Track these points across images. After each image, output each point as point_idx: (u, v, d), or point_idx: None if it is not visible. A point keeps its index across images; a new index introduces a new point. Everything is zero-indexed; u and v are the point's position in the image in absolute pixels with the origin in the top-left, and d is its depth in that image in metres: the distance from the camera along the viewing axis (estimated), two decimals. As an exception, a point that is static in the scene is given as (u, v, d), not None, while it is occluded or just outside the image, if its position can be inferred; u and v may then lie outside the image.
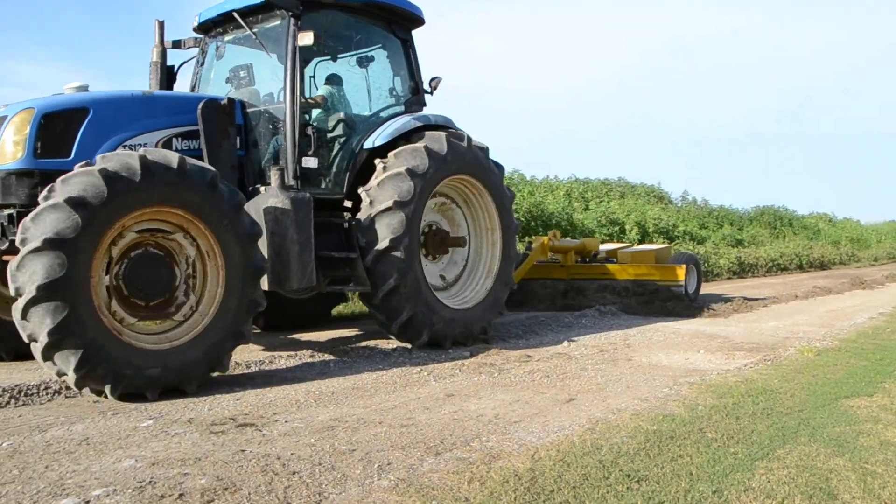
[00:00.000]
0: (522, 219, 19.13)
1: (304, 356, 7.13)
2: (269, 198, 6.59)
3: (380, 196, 7.45)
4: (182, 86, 8.39)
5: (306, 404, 5.27)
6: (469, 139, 8.29)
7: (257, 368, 6.66)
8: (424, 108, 8.66)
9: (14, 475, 3.69)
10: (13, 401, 5.33)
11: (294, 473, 3.62)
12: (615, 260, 13.45)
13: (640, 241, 23.61)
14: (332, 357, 7.19)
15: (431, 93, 8.72)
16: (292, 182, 7.21)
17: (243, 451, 4.03)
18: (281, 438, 4.30)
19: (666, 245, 16.49)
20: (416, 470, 3.70)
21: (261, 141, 7.56)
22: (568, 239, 15.45)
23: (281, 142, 7.44)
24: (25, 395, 5.46)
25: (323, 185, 7.78)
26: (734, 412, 4.98)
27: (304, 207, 6.72)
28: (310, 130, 7.42)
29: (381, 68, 8.71)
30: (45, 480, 3.59)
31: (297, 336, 8.83)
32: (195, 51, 8.44)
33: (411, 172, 7.51)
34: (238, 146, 7.25)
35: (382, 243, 7.29)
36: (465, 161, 8.15)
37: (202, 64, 8.32)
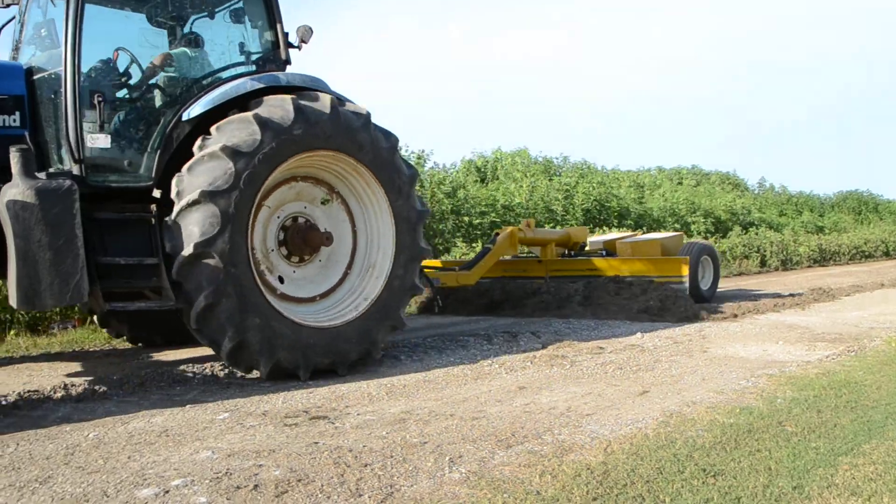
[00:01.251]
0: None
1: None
2: (10, 189, 5.03)
3: (188, 185, 5.75)
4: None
5: (378, 397, 5.31)
6: (336, 103, 6.28)
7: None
8: (289, 68, 6.82)
9: (99, 464, 3.82)
10: (95, 394, 5.53)
11: (366, 466, 3.65)
12: (614, 253, 11.64)
13: (713, 233, 22.99)
14: (402, 350, 7.23)
15: (299, 47, 6.90)
16: (73, 167, 5.76)
17: (316, 443, 4.08)
18: (353, 431, 4.35)
19: (676, 233, 14.39)
20: (487, 463, 3.69)
21: (47, 115, 6.06)
22: (547, 229, 14.10)
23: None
24: (110, 388, 5.66)
25: (124, 171, 6.16)
26: (815, 405, 4.82)
27: (61, 200, 5.08)
28: (97, 99, 5.80)
29: (233, 21, 6.93)
30: (127, 470, 3.70)
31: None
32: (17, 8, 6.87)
33: (232, 151, 5.71)
34: (19, 122, 5.88)
35: (188, 248, 5.56)
36: (328, 133, 6.18)
37: (21, 23, 6.76)
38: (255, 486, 3.36)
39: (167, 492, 3.35)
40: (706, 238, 21.67)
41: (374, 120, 6.57)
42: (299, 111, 6.00)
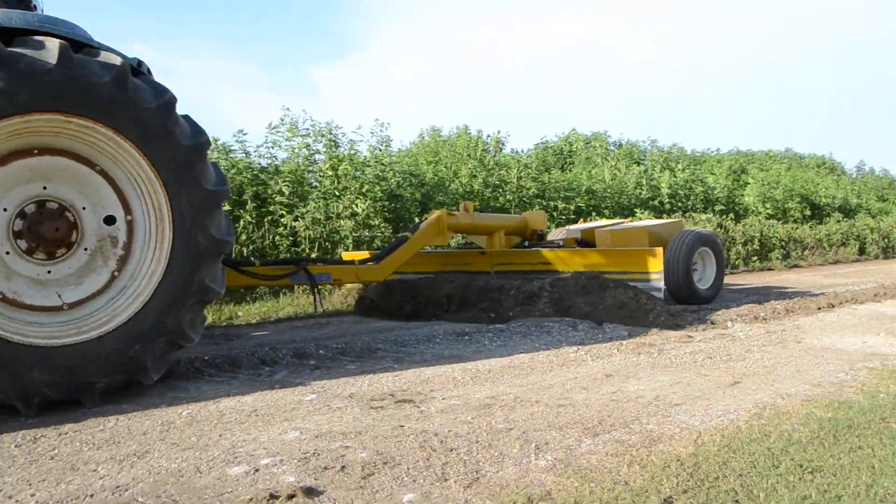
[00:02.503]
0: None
1: (460, 334, 7.19)
2: None
3: None
4: None
5: (463, 382, 5.31)
6: (67, 50, 4.54)
7: (414, 347, 6.79)
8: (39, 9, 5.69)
9: (192, 441, 3.93)
10: (187, 373, 5.69)
11: (451, 450, 3.64)
12: (592, 244, 10.13)
13: (810, 219, 22.16)
14: (486, 335, 7.21)
15: None
16: None
17: (402, 426, 4.10)
18: (438, 415, 4.35)
19: (671, 220, 12.56)
20: (573, 451, 3.64)
21: None
22: (491, 214, 11.99)
23: None
24: (202, 367, 5.83)
25: None
26: (921, 400, 4.59)
27: None
28: None
29: None
30: (219, 448, 3.80)
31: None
32: None
33: None
34: None
35: None
36: (56, 91, 4.52)
37: None
38: (342, 467, 3.40)
39: (257, 470, 3.42)
40: (801, 223, 20.87)
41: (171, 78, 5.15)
42: (7, 62, 4.37)
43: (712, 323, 7.91)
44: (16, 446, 3.96)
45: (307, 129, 13.94)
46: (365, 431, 4.00)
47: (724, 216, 20.18)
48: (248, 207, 11.90)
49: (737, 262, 18.59)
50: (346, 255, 10.99)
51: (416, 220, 13.41)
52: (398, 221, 13.70)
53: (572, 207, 17.33)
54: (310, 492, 3.10)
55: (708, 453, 3.57)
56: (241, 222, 11.66)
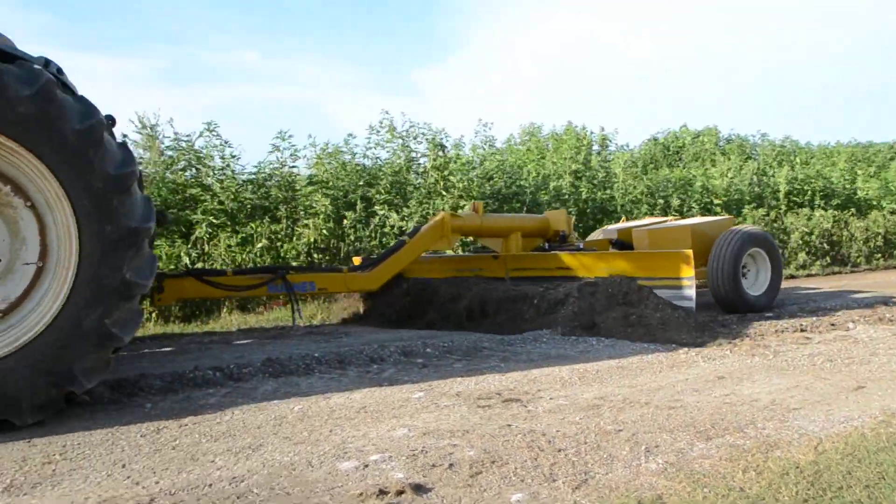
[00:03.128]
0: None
1: (564, 334, 7.12)
2: None
3: None
4: None
5: (570, 382, 5.25)
6: None
7: (521, 346, 6.76)
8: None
9: (304, 436, 4.03)
10: (299, 369, 5.85)
11: (559, 451, 3.61)
12: (630, 245, 9.24)
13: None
14: (593, 336, 7.11)
15: None
16: None
17: (509, 425, 4.09)
18: (546, 415, 4.31)
19: (719, 218, 10.85)
20: (685, 454, 3.54)
21: None
22: (505, 214, 11.21)
23: None
24: (312, 364, 5.97)
25: None
26: None
27: None
28: None
29: None
30: (329, 443, 3.88)
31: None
32: None
33: None
34: None
35: None
36: None
37: None
38: (450, 465, 3.41)
39: (366, 466, 3.47)
40: None
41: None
42: None
43: (832, 325, 7.53)
44: (141, 436, 4.16)
45: (405, 130, 14.10)
46: (472, 430, 4.01)
47: (845, 211, 19.24)
48: (356, 208, 12.15)
49: (858, 260, 17.72)
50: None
51: None
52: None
53: (687, 206, 16.86)
54: (418, 489, 3.13)
55: (830, 461, 3.41)
56: (347, 222, 11.89)
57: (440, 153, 13.56)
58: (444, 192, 12.88)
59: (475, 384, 5.24)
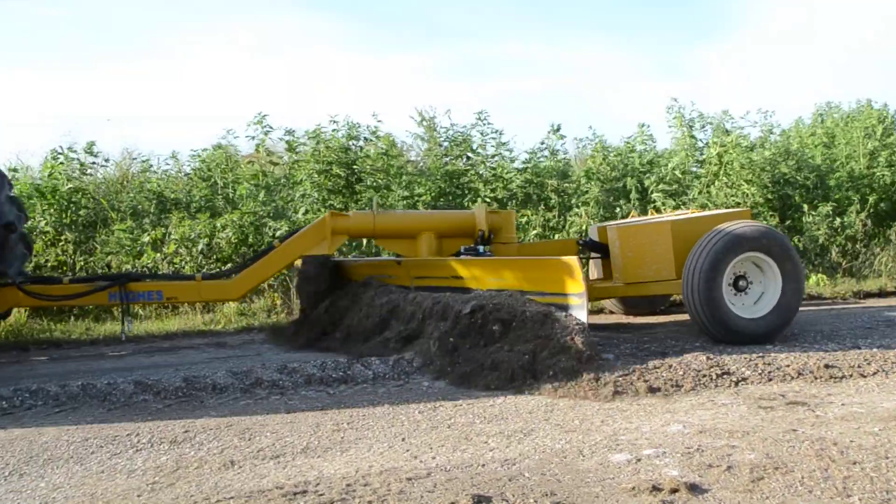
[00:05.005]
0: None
1: (861, 327, 6.49)
2: None
3: None
4: None
5: (867, 388, 4.77)
6: None
7: (809, 344, 6.25)
8: None
9: (575, 425, 4.03)
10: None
11: (854, 463, 3.28)
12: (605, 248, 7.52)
13: None
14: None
15: None
16: None
17: (794, 430, 3.79)
18: (837, 422, 3.95)
19: (730, 210, 8.02)
20: None
21: None
22: (405, 212, 9.41)
23: None
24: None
25: None
26: None
27: None
28: None
29: None
30: (601, 433, 3.84)
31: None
32: None
33: None
34: None
35: None
36: None
37: None
38: (729, 467, 3.23)
39: (639, 460, 3.39)
40: None
41: None
42: None
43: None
44: (419, 413, 4.40)
45: (692, 117, 13.54)
46: (753, 432, 3.77)
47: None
48: (630, 198, 11.92)
49: None
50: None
51: (805, 207, 12.27)
52: (784, 209, 12.67)
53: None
54: (694, 488, 3.00)
55: None
56: (618, 211, 11.68)
57: (722, 140, 12.86)
58: (724, 179, 12.23)
59: (756, 382, 4.91)
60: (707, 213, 8.03)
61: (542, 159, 12.81)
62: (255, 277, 7.31)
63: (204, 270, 9.34)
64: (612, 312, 8.92)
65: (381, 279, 7.25)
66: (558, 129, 12.84)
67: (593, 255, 8.04)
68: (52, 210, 10.41)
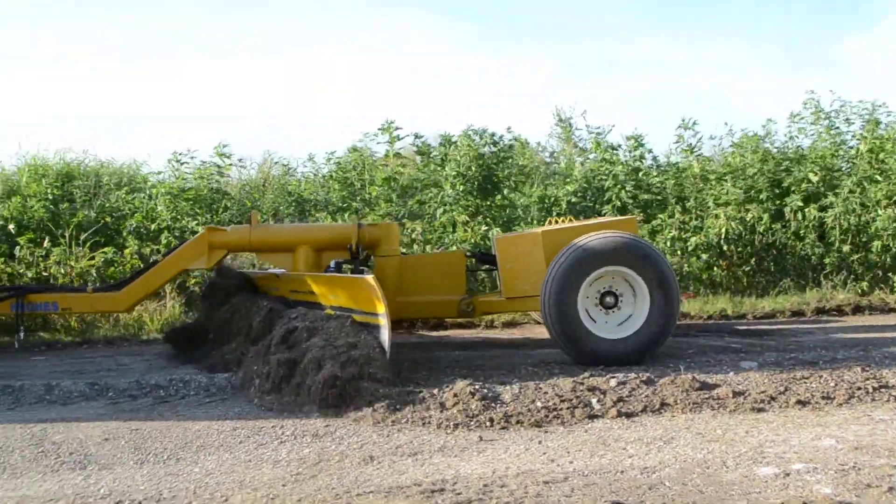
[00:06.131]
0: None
1: None
2: None
3: None
4: None
5: None
6: None
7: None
8: None
9: (717, 434, 3.89)
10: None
11: None
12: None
13: None
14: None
15: None
16: None
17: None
18: None
19: (611, 219, 7.62)
20: None
21: None
22: (282, 226, 9.31)
23: None
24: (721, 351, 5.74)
25: None
26: None
27: None
28: None
29: None
30: (745, 445, 3.70)
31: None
32: None
33: None
34: None
35: None
36: None
37: None
38: (890, 488, 3.02)
39: (787, 475, 3.24)
40: None
41: None
42: None
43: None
44: (555, 416, 4.35)
45: (835, 110, 12.69)
46: (915, 451, 3.53)
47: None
48: (761, 198, 11.31)
49: None
50: None
51: None
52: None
53: None
54: (849, 508, 2.83)
55: None
56: (752, 213, 11.07)
57: (874, 133, 12.01)
58: (878, 177, 11.41)
59: None
60: (584, 222, 7.23)
61: (678, 160, 12.43)
62: (141, 290, 7.43)
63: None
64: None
65: (271, 292, 7.31)
66: (694, 124, 12.37)
67: (489, 267, 7.87)
68: (199, 210, 10.97)
